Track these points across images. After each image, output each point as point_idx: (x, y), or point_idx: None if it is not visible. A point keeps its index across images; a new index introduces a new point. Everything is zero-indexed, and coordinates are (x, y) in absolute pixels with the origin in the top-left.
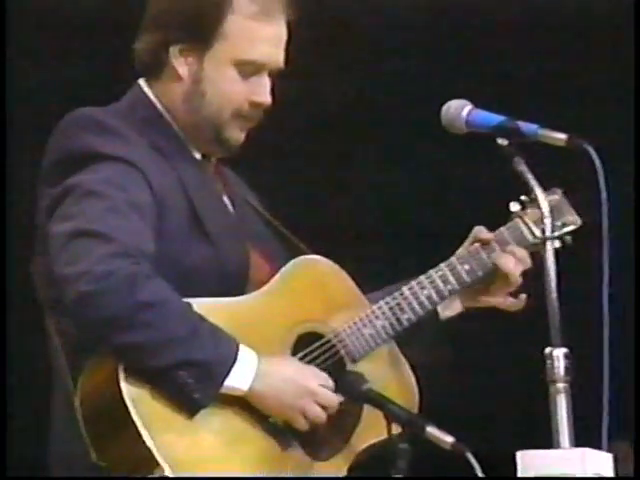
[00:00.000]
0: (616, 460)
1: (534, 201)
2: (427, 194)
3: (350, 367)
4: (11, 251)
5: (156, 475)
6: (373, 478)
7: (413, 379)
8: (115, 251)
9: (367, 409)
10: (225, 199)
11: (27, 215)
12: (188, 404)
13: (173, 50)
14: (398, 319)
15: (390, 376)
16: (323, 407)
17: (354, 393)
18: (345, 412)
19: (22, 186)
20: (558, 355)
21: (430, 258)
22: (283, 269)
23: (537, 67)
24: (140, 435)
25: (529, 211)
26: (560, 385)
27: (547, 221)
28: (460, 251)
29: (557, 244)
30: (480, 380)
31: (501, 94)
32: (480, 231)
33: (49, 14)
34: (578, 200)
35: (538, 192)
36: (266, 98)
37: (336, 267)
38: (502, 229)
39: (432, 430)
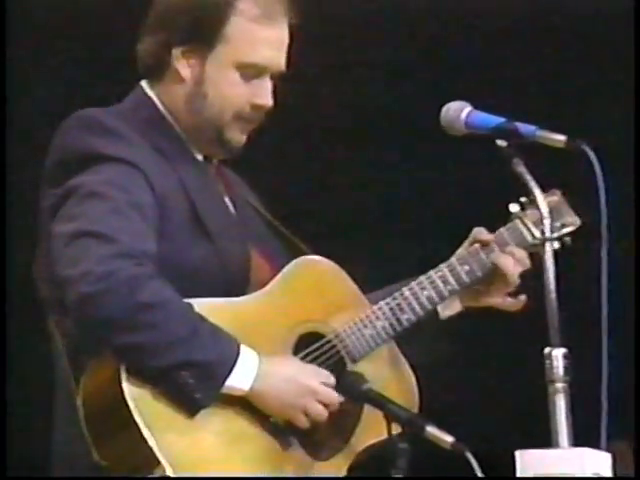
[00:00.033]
0: (614, 460)
1: (533, 202)
2: (427, 195)
3: (350, 367)
4: (11, 251)
5: (157, 474)
6: (373, 478)
7: (413, 379)
8: (117, 252)
9: (367, 409)
10: (226, 200)
11: (27, 216)
12: (189, 404)
13: (175, 52)
14: (398, 319)
15: (390, 376)
16: (324, 405)
17: (354, 393)
18: (345, 412)
19: (22, 186)
20: (557, 355)
21: (430, 259)
22: (284, 269)
23: (537, 68)
24: (142, 435)
25: (529, 212)
26: (559, 385)
27: (546, 222)
28: (460, 252)
29: (556, 245)
30: (479, 380)
31: (501, 95)
32: (480, 232)
33: (49, 14)
34: (578, 201)
35: (537, 193)
36: (267, 101)
37: (337, 267)
38: (502, 230)
39: (432, 430)
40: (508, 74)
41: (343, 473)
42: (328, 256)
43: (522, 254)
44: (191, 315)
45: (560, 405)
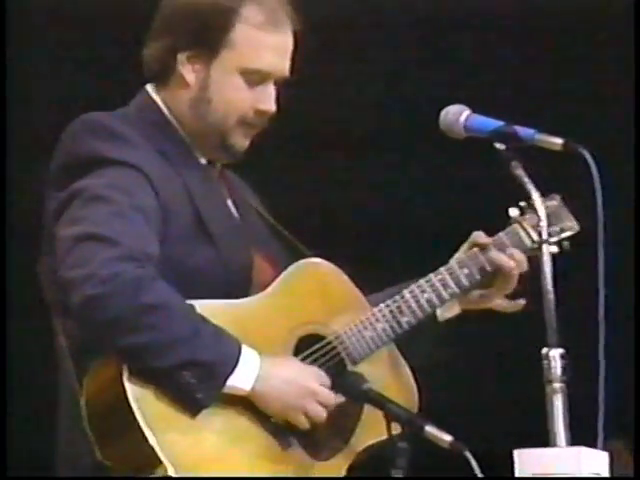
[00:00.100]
0: (611, 459)
1: (533, 207)
2: (427, 198)
3: (350, 369)
4: (11, 252)
5: (158, 474)
6: (373, 478)
7: (413, 381)
8: (120, 254)
9: (367, 410)
10: (229, 203)
11: (27, 216)
12: (191, 404)
13: (181, 57)
14: (398, 322)
15: (390, 378)
16: (323, 406)
17: (354, 393)
18: (345, 413)
19: (22, 186)
20: (555, 355)
21: (430, 261)
22: (285, 272)
23: (537, 70)
24: (144, 434)
25: (528, 216)
26: (556, 385)
27: (543, 224)
28: (459, 255)
29: (555, 249)
30: (478, 380)
31: (501, 97)
32: (479, 236)
33: (49, 14)
34: (578, 202)
35: (534, 195)
36: (271, 106)
37: (337, 270)
38: (501, 234)
39: (431, 429)
40: (508, 76)
41: (343, 473)
42: (328, 258)
43: (521, 256)
44: (193, 316)
45: (557, 405)
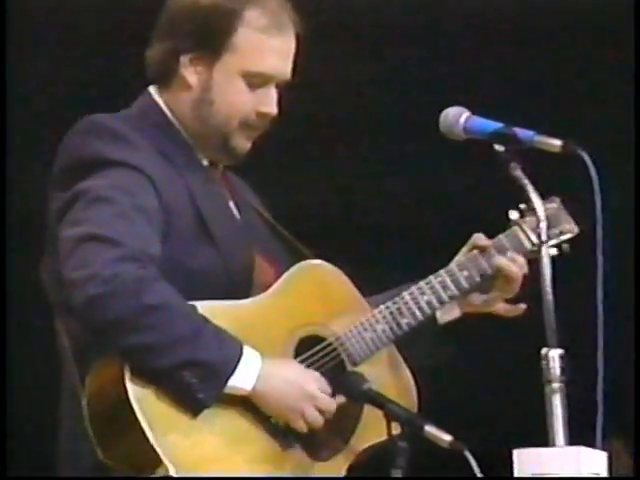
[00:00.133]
0: (610, 458)
1: (532, 209)
2: (427, 201)
3: (350, 370)
4: (11, 251)
5: (159, 474)
6: (373, 478)
7: (412, 382)
8: (122, 255)
9: (367, 410)
10: (231, 205)
11: (27, 216)
12: (192, 404)
13: (183, 59)
14: (398, 323)
15: (390, 379)
16: (321, 411)
17: (354, 392)
18: (345, 413)
19: (22, 186)
20: (554, 356)
21: (430, 263)
22: (286, 273)
23: (537, 71)
24: (145, 434)
25: (527, 219)
26: (555, 385)
27: (542, 226)
28: (459, 258)
29: (554, 251)
30: (477, 380)
31: (501, 98)
32: (479, 238)
33: (50, 15)
34: (579, 204)
35: (534, 197)
36: (272, 109)
37: (338, 271)
38: (501, 236)
39: (430, 429)
40: (507, 78)
41: (343, 473)
42: (329, 260)
43: (521, 260)
44: (194, 316)
45: (556, 404)
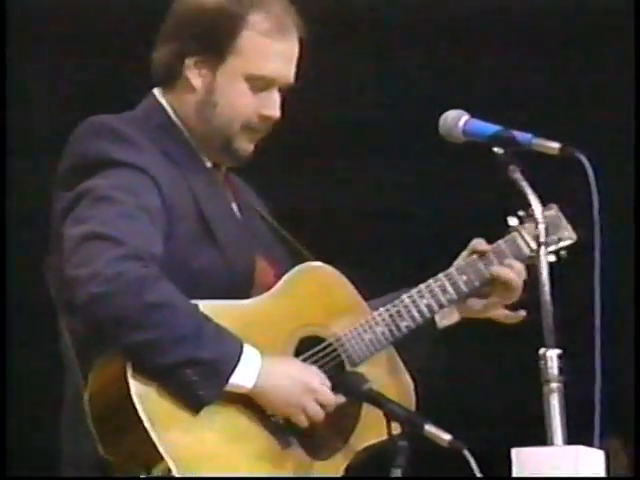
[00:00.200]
0: (608, 457)
1: (531, 216)
2: (427, 204)
3: (350, 370)
4: (11, 251)
5: (160, 470)
6: (373, 478)
7: (411, 384)
8: (125, 254)
9: (366, 410)
10: (234, 206)
11: (27, 215)
12: (193, 401)
13: (188, 62)
14: (397, 326)
15: (388, 380)
16: (322, 405)
17: (355, 392)
18: (344, 412)
19: (22, 187)
20: (552, 356)
21: (430, 268)
22: (287, 274)
23: (538, 71)
24: (146, 431)
25: (526, 225)
26: (553, 385)
27: (541, 227)
28: (458, 262)
29: (552, 258)
30: (476, 380)
31: (500, 99)
32: (478, 243)
33: (50, 15)
34: (578, 206)
35: (531, 198)
36: (275, 112)
37: (338, 273)
38: (500, 242)
39: (430, 428)
40: (507, 81)
41: (341, 472)
42: (329, 262)
43: (520, 266)
44: (196, 315)
45: (555, 404)
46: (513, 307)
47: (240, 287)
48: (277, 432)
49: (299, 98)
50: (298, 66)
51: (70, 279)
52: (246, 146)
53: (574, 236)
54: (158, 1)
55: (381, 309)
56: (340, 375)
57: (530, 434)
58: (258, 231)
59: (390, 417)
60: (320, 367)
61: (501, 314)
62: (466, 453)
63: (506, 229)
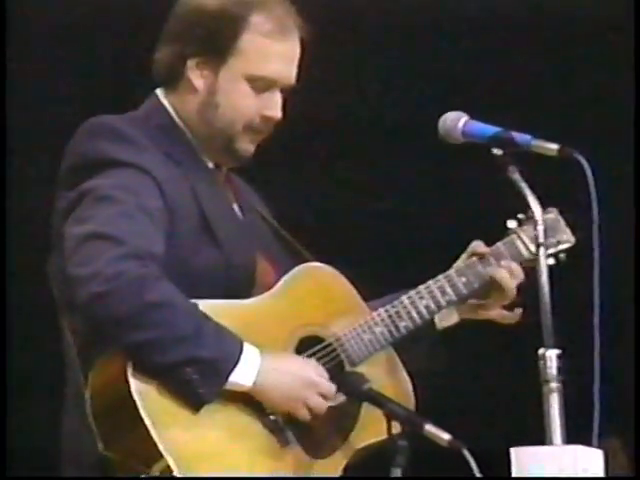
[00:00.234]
0: (606, 457)
1: (530, 219)
2: (427, 207)
3: (349, 370)
4: (12, 250)
5: (160, 467)
6: (373, 478)
7: (409, 384)
8: (125, 253)
9: (365, 409)
10: (235, 206)
11: (27, 214)
12: (193, 399)
13: (190, 63)
14: (396, 326)
15: (387, 381)
16: (323, 397)
17: (355, 392)
18: (343, 411)
19: (22, 187)
20: (551, 356)
21: (429, 270)
22: (288, 274)
23: (538, 73)
24: (146, 429)
25: (525, 228)
26: (553, 385)
27: (540, 228)
28: (458, 264)
29: (551, 261)
30: (476, 380)
31: (500, 101)
32: (477, 245)
33: (50, 15)
34: (580, 206)
35: (530, 199)
36: (276, 113)
37: (338, 274)
38: (499, 244)
39: (430, 428)
40: (507, 82)
41: (340, 471)
42: (329, 263)
43: (517, 267)
44: (196, 314)
45: (554, 404)
46: (511, 308)
47: (241, 287)
48: (276, 430)
49: (299, 99)
50: (299, 67)
51: (71, 278)
52: (247, 147)
53: (573, 239)
54: (158, 1)
55: (380, 310)
56: (340, 375)
57: (529, 433)
58: (259, 231)
59: (390, 417)
60: None
61: (499, 314)
62: (465, 453)
63: (505, 232)
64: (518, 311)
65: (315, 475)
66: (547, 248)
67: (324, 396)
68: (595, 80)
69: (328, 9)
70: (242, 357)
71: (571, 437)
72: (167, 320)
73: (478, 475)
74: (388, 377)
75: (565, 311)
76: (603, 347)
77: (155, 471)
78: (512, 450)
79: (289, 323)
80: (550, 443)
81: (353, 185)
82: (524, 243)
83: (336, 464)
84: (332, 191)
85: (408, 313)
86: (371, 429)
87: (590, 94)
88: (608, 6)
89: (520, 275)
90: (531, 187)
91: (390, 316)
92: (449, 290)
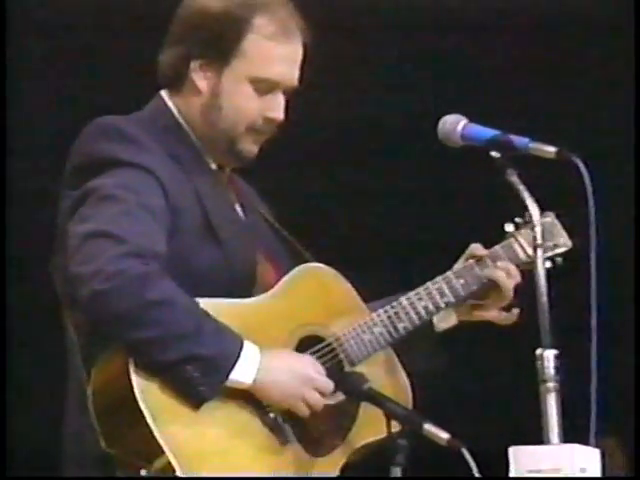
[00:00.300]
0: (603, 456)
1: (528, 222)
2: (426, 210)
3: (349, 370)
4: (11, 250)
5: (160, 464)
6: (373, 478)
7: (408, 385)
8: (126, 252)
9: (363, 408)
10: (237, 207)
11: (27, 214)
12: (194, 397)
13: (194, 65)
14: (395, 327)
15: (386, 381)
16: (320, 392)
17: (355, 392)
18: (342, 410)
19: (22, 187)
20: (548, 356)
21: (429, 271)
22: (288, 275)
23: (537, 74)
24: (148, 425)
25: (523, 231)
26: (550, 384)
27: (537, 229)
28: (456, 266)
29: (548, 264)
30: (474, 380)
31: (500, 101)
32: (476, 248)
33: (50, 15)
34: (578, 206)
35: (528, 201)
36: (279, 114)
37: (338, 274)
38: (497, 247)
39: (429, 427)
40: (507, 84)
41: (339, 469)
42: (329, 264)
43: (513, 268)
44: (196, 312)
45: (551, 403)
46: (509, 309)
47: (242, 286)
48: (276, 428)
49: (300, 101)
50: (302, 69)
51: (73, 276)
52: (250, 148)
53: (570, 243)
54: (158, 2)
55: (380, 310)
56: (340, 374)
57: (527, 433)
58: (260, 232)
59: (389, 416)
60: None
61: (497, 316)
62: (464, 452)
63: (503, 235)
64: (515, 312)
65: (314, 473)
66: (544, 251)
67: (321, 392)
68: (595, 80)
69: (328, 10)
70: (242, 355)
71: (568, 436)
72: (168, 318)
73: (477, 474)
74: (387, 377)
75: (563, 311)
76: (600, 347)
77: (156, 468)
78: (510, 449)
79: (289, 323)
80: (548, 442)
81: (353, 187)
82: (522, 246)
83: (335, 462)
84: (332, 193)
85: (407, 314)
86: (370, 428)
87: (590, 94)
88: (608, 6)
89: (517, 276)
90: (529, 190)
91: (389, 317)
92: (447, 292)
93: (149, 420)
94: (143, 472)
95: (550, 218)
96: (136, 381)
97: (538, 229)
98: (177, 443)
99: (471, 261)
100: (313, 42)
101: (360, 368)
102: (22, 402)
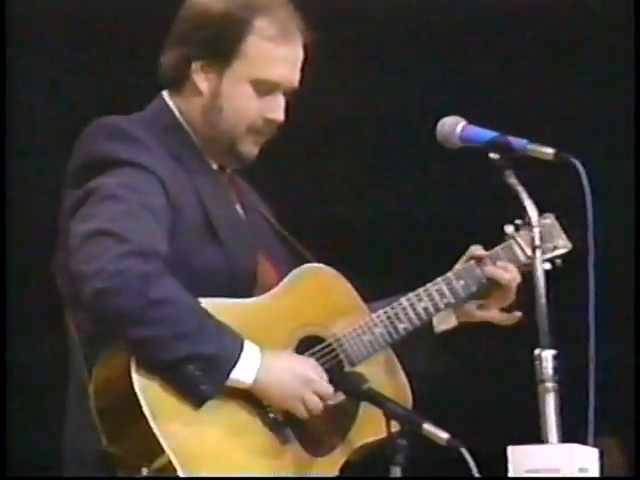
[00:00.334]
0: (602, 455)
1: (527, 224)
2: (426, 211)
3: (348, 370)
4: (12, 249)
5: (161, 462)
6: (373, 478)
7: (407, 385)
8: (128, 251)
9: (363, 408)
10: (238, 207)
11: (27, 213)
12: (195, 395)
13: (195, 66)
14: (395, 328)
15: (386, 381)
16: (319, 396)
17: (355, 392)
18: (342, 410)
19: (22, 187)
20: (547, 356)
21: (430, 273)
22: (289, 275)
23: (537, 74)
24: (148, 424)
25: (522, 233)
26: (548, 384)
27: (536, 230)
28: (456, 267)
29: (547, 266)
30: (473, 380)
31: (500, 102)
32: (476, 249)
33: (50, 15)
34: (577, 206)
35: (527, 202)
36: (279, 115)
37: (338, 275)
38: (497, 248)
39: (429, 427)
40: (507, 85)
41: (339, 468)
42: (329, 264)
43: (513, 269)
44: (198, 311)
45: (549, 403)
46: (509, 309)
47: (242, 286)
48: (276, 428)
49: (302, 102)
50: (302, 70)
51: (76, 275)
52: (251, 149)
53: (569, 245)
54: (157, 2)
55: (380, 311)
56: (340, 374)
57: (526, 433)
58: (261, 232)
59: (389, 416)
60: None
61: (497, 316)
62: (464, 452)
63: (503, 236)
64: (517, 314)
65: (314, 473)
66: (543, 252)
67: (320, 396)
68: (595, 80)
69: (329, 13)
70: (243, 355)
71: (567, 436)
72: (169, 317)
73: (476, 474)
74: (387, 377)
75: (561, 312)
76: (599, 347)
77: (156, 467)
78: (509, 448)
79: (289, 323)
80: (546, 442)
81: (353, 188)
82: (521, 248)
83: (335, 462)
84: (332, 193)
85: (407, 315)
86: (370, 428)
87: (590, 94)
88: (608, 6)
89: (517, 275)
90: (528, 191)
91: (389, 317)
92: (447, 293)
93: (150, 418)
94: (144, 471)
95: (550, 220)
96: (137, 379)
97: (536, 230)
98: (178, 442)
99: (471, 262)
100: (314, 42)
101: (360, 368)
102: (22, 402)
